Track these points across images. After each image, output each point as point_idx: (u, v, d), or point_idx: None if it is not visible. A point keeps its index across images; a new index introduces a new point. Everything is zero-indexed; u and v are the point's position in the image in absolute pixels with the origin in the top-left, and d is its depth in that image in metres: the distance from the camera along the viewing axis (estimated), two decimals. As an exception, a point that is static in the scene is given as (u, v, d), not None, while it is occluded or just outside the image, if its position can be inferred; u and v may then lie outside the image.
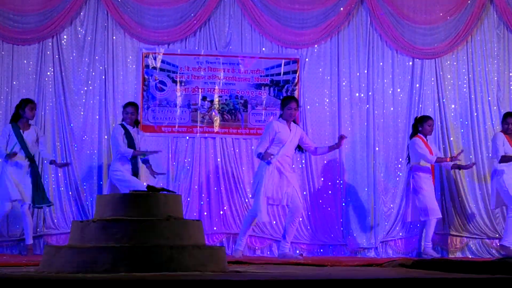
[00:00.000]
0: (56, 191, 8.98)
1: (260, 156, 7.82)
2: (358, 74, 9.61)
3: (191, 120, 9.34)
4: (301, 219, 9.14)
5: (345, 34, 9.66)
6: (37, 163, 8.44)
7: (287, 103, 8.02)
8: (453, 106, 9.71)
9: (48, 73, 9.15)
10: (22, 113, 8.31)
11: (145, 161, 8.56)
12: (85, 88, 9.18)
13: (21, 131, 8.31)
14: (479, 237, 9.47)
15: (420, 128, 8.80)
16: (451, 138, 9.65)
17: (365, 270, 5.52)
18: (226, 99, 9.41)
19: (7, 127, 8.35)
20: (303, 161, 9.41)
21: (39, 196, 8.29)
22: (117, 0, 9.21)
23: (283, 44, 9.54)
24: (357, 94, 9.60)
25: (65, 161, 8.88)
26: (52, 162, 8.47)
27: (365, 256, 9.15)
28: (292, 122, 8.08)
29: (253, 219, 7.97)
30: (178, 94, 9.33)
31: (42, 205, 8.42)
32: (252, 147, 9.34)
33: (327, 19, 9.56)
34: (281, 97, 9.17)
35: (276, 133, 7.88)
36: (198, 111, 9.35)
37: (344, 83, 9.59)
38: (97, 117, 9.16)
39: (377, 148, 9.54)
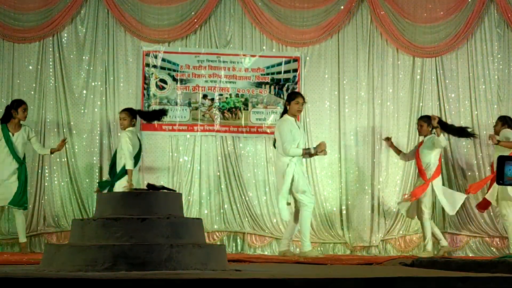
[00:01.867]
0: (57, 189, 8.99)
1: (308, 152, 7.75)
2: (358, 72, 9.61)
3: (191, 118, 9.33)
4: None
5: (345, 33, 9.66)
6: (26, 164, 8.31)
7: (295, 97, 7.91)
8: (453, 104, 9.70)
9: (49, 72, 9.14)
10: (15, 114, 8.19)
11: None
12: (86, 87, 9.18)
13: (10, 133, 8.14)
14: (480, 235, 9.47)
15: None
16: (451, 137, 9.63)
17: (365, 268, 5.53)
18: (226, 98, 9.41)
19: None
20: (304, 159, 9.38)
21: (19, 198, 8.12)
22: (118, -2, 9.23)
23: (284, 42, 9.54)
24: (357, 93, 9.59)
25: (64, 137, 8.74)
26: (52, 151, 8.37)
27: (365, 255, 9.15)
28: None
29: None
30: (179, 92, 9.32)
31: (16, 207, 8.18)
32: (252, 145, 9.34)
33: (328, 18, 9.56)
34: (282, 96, 9.18)
35: (291, 130, 7.79)
36: (199, 110, 9.34)
37: (344, 82, 9.59)
38: (98, 115, 9.15)
39: (377, 146, 9.54)
